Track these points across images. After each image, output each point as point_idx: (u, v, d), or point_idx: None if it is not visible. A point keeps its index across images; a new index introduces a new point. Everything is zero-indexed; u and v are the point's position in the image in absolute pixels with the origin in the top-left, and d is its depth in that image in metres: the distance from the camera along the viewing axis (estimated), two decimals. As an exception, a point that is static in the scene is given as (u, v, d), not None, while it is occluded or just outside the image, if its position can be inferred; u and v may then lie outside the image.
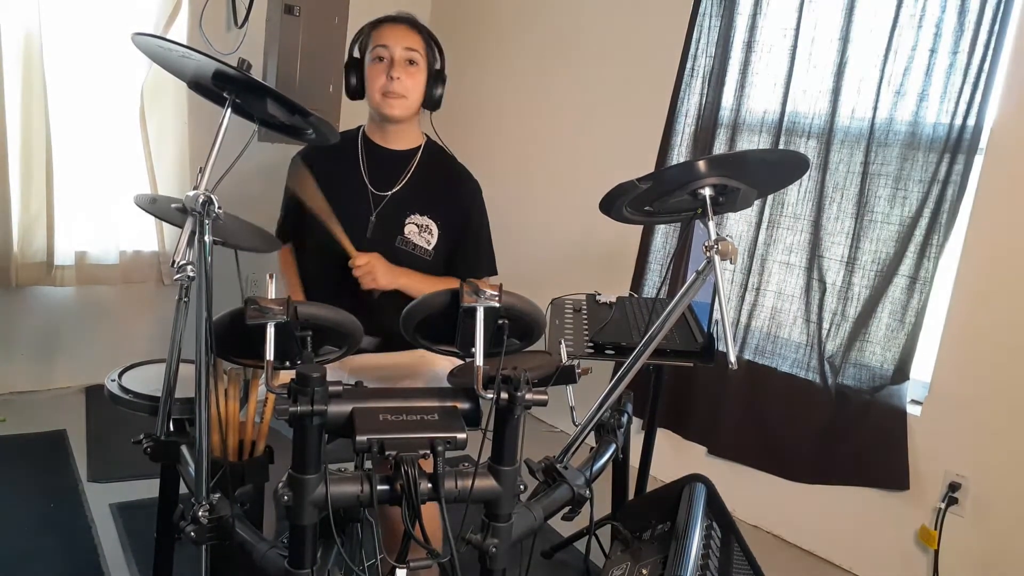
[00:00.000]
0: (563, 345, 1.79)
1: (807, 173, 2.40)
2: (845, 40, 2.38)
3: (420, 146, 1.96)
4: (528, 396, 1.13)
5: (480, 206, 1.98)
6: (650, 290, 2.90)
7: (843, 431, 2.45)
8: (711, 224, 1.26)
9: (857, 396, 2.41)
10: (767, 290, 2.62)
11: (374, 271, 1.76)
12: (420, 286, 1.79)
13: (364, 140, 1.96)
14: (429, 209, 1.91)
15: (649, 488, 2.09)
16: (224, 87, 1.30)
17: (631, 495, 2.11)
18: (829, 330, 2.47)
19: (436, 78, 1.90)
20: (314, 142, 1.51)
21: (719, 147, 2.70)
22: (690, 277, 1.33)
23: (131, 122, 2.98)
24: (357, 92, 1.91)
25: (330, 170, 1.93)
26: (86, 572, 2.02)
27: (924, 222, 2.27)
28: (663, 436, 2.74)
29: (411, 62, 1.85)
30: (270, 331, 1.20)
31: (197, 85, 1.37)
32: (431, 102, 1.92)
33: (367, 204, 1.90)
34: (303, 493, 1.08)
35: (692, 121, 2.78)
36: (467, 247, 1.96)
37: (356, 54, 1.92)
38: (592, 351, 1.85)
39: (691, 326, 2.00)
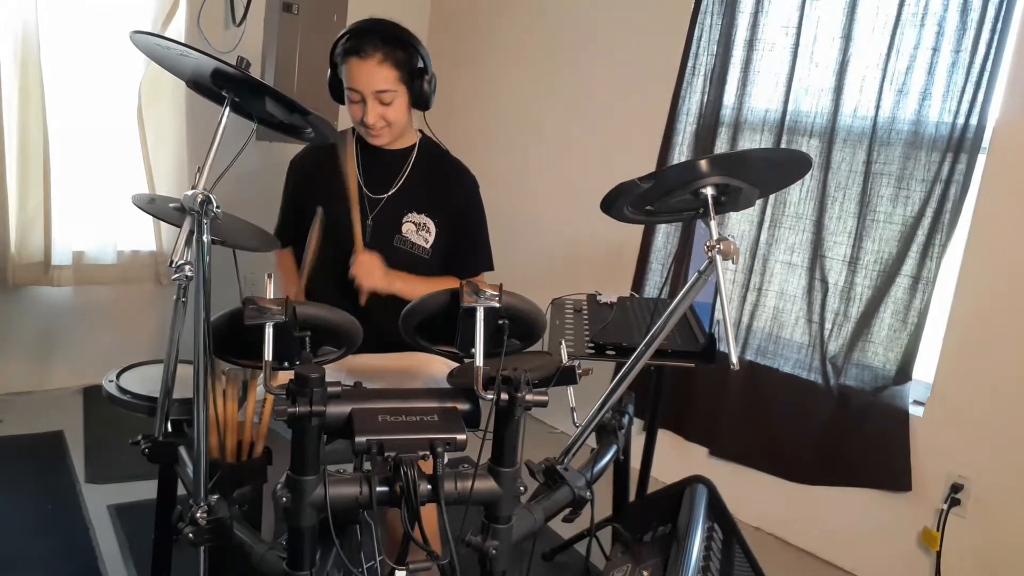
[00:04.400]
0: (564, 345, 1.78)
1: (809, 172, 2.38)
2: (847, 38, 2.37)
3: (415, 144, 1.94)
4: (528, 397, 1.13)
5: (477, 201, 1.97)
6: (651, 290, 2.89)
7: (845, 432, 2.44)
8: (713, 224, 1.25)
9: (859, 397, 2.40)
10: (769, 290, 2.61)
11: (373, 270, 1.76)
12: (417, 290, 1.78)
13: (359, 141, 1.94)
14: (426, 207, 1.90)
15: (650, 490, 2.08)
16: (222, 86, 1.30)
17: (632, 497, 2.11)
18: (831, 330, 2.47)
19: (419, 78, 1.81)
20: (313, 141, 1.50)
21: (721, 146, 2.69)
22: (691, 277, 1.32)
23: (129, 121, 2.97)
24: (340, 101, 1.87)
25: (326, 174, 1.92)
26: (84, 574, 2.01)
27: (927, 222, 2.26)
28: (664, 437, 2.73)
29: (383, 102, 1.79)
30: (268, 331, 1.19)
31: (195, 84, 1.36)
32: (420, 104, 1.85)
33: (364, 208, 1.89)
34: (302, 495, 1.08)
35: (693, 120, 2.77)
36: (464, 242, 1.95)
37: (335, 63, 1.83)
38: (593, 351, 1.84)
39: (693, 326, 1.99)
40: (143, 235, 3.12)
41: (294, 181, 2.02)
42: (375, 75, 1.75)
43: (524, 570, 1.35)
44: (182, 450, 1.47)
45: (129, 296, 3.20)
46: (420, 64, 1.82)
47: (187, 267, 1.18)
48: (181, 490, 1.54)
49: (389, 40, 1.77)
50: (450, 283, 1.22)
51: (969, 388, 2.21)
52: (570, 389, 1.64)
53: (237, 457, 1.46)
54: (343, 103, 1.87)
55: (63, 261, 2.95)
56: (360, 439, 1.08)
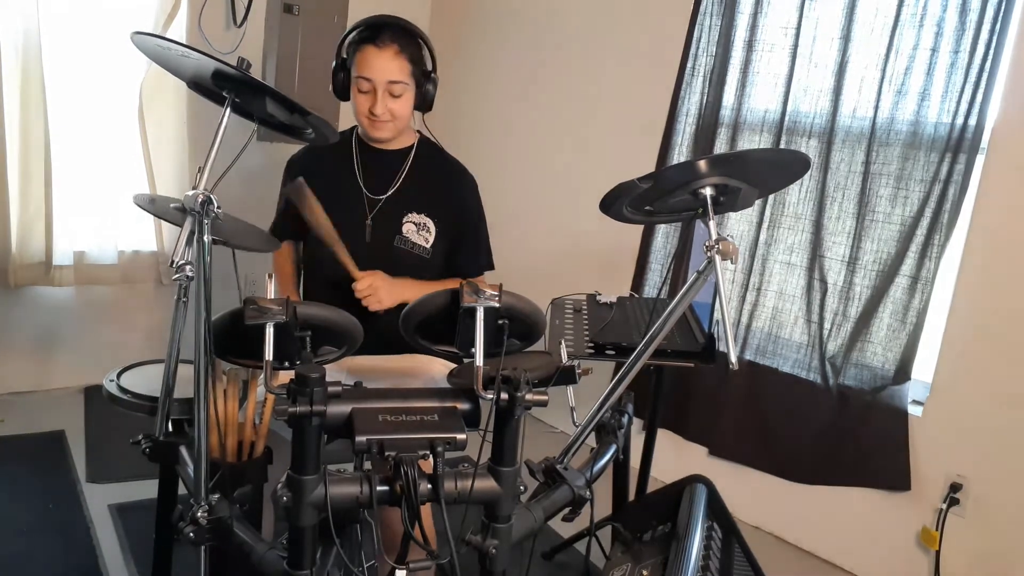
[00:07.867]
0: (563, 345, 1.78)
1: (808, 173, 2.39)
2: (846, 39, 2.38)
3: (413, 144, 1.94)
4: (528, 397, 1.13)
5: (476, 200, 1.97)
6: (651, 290, 2.89)
7: (844, 432, 2.44)
8: (712, 224, 1.26)
9: (858, 396, 2.41)
10: (768, 290, 2.61)
11: (377, 292, 1.74)
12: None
13: (358, 141, 1.94)
14: (426, 207, 1.90)
15: (650, 489, 2.08)
16: (223, 86, 1.30)
17: (632, 496, 2.11)
18: (830, 330, 2.47)
19: (426, 80, 1.83)
20: (314, 141, 1.50)
21: (720, 146, 2.69)
22: (691, 277, 1.32)
23: (130, 121, 2.97)
24: (343, 97, 1.86)
25: (325, 175, 1.91)
26: (85, 573, 2.02)
27: (925, 222, 2.26)
28: (664, 437, 2.73)
29: (393, 94, 1.79)
30: (269, 331, 1.19)
31: (196, 84, 1.37)
32: (423, 104, 1.86)
33: (363, 209, 1.89)
34: (302, 494, 1.08)
35: (693, 120, 2.77)
36: (464, 242, 1.95)
37: (344, 55, 1.83)
38: (592, 351, 1.84)
39: (692, 326, 2.00)
40: (144, 235, 3.13)
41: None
42: (390, 65, 1.77)
43: (524, 569, 1.35)
44: (183, 450, 1.47)
45: (130, 296, 3.20)
46: (429, 64, 1.84)
47: (188, 267, 1.19)
48: (182, 489, 1.54)
49: (406, 33, 1.79)
50: (455, 285, 1.23)
51: (968, 388, 2.21)
52: (570, 389, 1.65)
53: (238, 457, 1.46)
54: (346, 98, 1.86)
55: (64, 261, 2.96)
56: (360, 439, 1.08)
